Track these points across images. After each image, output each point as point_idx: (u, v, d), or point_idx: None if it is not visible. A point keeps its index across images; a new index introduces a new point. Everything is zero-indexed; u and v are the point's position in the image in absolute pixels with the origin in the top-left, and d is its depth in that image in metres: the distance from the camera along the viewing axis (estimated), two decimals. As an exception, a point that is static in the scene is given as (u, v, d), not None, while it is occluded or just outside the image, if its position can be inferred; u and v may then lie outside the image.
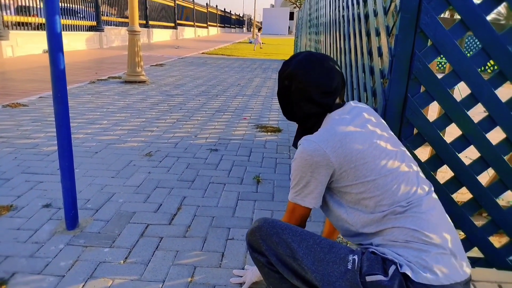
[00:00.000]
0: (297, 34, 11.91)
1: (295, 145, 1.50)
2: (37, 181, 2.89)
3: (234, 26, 56.06)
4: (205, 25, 34.61)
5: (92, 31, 14.61)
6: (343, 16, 2.99)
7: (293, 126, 4.80)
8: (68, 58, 10.82)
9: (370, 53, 2.04)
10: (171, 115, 5.11)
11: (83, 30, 14.09)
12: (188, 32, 28.51)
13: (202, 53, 15.89)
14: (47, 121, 4.49)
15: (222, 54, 15.72)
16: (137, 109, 5.35)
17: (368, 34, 2.10)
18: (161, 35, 22.14)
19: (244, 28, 60.07)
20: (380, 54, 1.83)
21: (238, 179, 3.09)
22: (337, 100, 1.41)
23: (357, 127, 1.32)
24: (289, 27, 51.64)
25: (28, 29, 11.07)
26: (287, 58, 15.09)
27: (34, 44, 11.18)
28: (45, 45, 11.70)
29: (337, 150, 1.26)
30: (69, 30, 13.19)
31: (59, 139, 2.15)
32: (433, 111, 4.07)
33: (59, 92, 2.08)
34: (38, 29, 11.48)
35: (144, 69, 8.27)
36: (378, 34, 1.92)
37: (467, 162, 1.72)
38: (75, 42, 13.47)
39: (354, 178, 1.27)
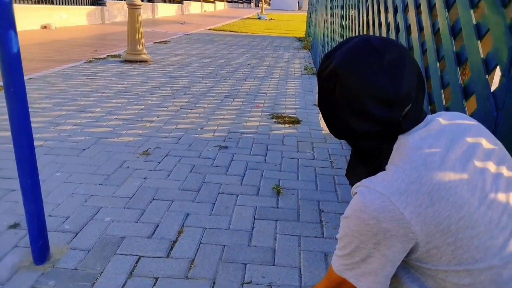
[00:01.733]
0: (311, 9, 11.06)
1: (349, 176, 1.00)
2: (8, 189, 2.35)
3: (241, 1, 54.43)
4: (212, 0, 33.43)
5: (93, 5, 13.84)
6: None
7: (315, 116, 4.19)
8: (66, 34, 10.16)
9: (453, 33, 1.41)
10: (174, 101, 4.51)
11: (84, 4, 13.33)
12: (195, 7, 27.46)
13: (209, 29, 15.08)
14: (32, 108, 3.92)
15: (230, 31, 14.90)
16: (135, 94, 4.75)
17: (448, 5, 1.46)
18: (166, 10, 21.23)
19: (252, 3, 58.40)
20: (481, 36, 1.21)
21: (254, 189, 2.52)
22: (407, 113, 0.82)
23: (459, 167, 0.77)
24: (298, 3, 50.03)
25: (24, 3, 10.38)
26: (299, 35, 14.34)
27: (32, 18, 10.51)
28: (43, 20, 11.02)
29: (424, 213, 0.74)
30: (68, 4, 12.45)
31: (16, 150, 1.58)
32: None
33: (12, 85, 1.49)
34: (36, 3, 10.78)
35: (146, 47, 7.62)
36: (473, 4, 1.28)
37: None
38: (75, 17, 12.75)
39: (454, 261, 0.75)
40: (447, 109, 1.41)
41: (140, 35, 6.68)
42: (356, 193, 0.83)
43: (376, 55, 0.80)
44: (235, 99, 4.76)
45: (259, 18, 24.34)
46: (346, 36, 3.80)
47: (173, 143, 3.21)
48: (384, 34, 2.30)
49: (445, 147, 0.79)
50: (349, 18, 3.58)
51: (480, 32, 1.20)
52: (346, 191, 2.54)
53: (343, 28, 3.93)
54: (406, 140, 0.81)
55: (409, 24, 1.87)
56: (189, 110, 4.19)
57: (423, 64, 1.70)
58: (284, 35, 14.37)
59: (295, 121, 3.91)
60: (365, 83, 0.79)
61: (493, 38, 1.11)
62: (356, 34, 3.21)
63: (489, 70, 1.14)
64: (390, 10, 2.17)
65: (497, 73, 1.16)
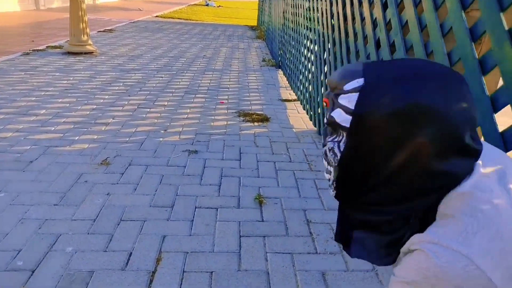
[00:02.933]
0: (264, -3, 10.84)
1: (340, 239, 0.76)
2: None
3: (187, -13, 52.62)
4: (156, -16, 31.88)
5: (24, -12, 12.56)
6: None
7: (282, 113, 4.03)
8: (-5, 22, 9.10)
9: (472, 35, 1.28)
10: (130, 100, 4.13)
11: (13, -12, 12.05)
12: (138, -8, 26.05)
13: (156, 16, 14.33)
14: (-39, 112, 3.37)
15: (179, 18, 14.27)
16: (84, 92, 4.29)
17: None
18: (107, -5, 19.90)
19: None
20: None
21: (234, 200, 2.31)
22: None
23: None
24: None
25: None
26: (251, 23, 14.08)
27: None
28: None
29: (508, 275, 0.60)
30: (-5, -13, 11.17)
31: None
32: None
33: None
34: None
35: (90, 36, 6.99)
36: None
37: None
38: (4, 2, 11.48)
39: None
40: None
41: (84, 24, 6.08)
42: (422, 250, 0.65)
43: (456, 83, 0.61)
44: (196, 95, 4.46)
45: (207, 5, 23.67)
46: (314, 28, 3.66)
47: (135, 150, 2.89)
48: (369, 32, 2.16)
49: (505, 190, 0.64)
50: (318, 10, 3.43)
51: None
52: (331, 197, 2.41)
53: (309, 20, 3.78)
54: (470, 184, 0.65)
55: (406, 21, 1.74)
56: (148, 109, 3.84)
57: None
58: (235, 24, 14.05)
59: (264, 119, 3.72)
60: (457, 119, 0.60)
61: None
62: (327, 27, 3.07)
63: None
64: (378, 4, 2.03)
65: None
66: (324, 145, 0.66)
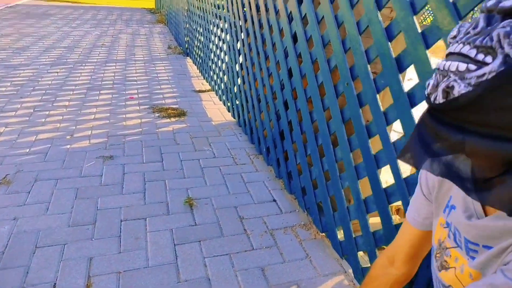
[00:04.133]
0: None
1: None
2: None
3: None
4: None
5: None
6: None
7: (198, 105, 3.93)
8: None
9: (388, 34, 1.37)
10: (23, 102, 3.63)
11: None
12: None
13: None
14: None
15: (67, 1, 12.87)
16: (-38, 96, 3.65)
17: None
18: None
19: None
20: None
21: (162, 206, 2.20)
22: None
23: None
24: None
25: None
26: (148, 5, 13.26)
27: None
28: None
29: None
30: None
31: None
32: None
33: None
34: None
35: (-42, 27, 5.94)
36: None
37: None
38: None
39: None
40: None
41: None
42: None
43: None
44: (101, 92, 4.10)
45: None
46: (222, 16, 3.59)
47: (39, 162, 2.56)
48: (284, 25, 2.19)
49: None
50: (226, -1, 3.36)
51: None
52: (258, 189, 2.44)
53: (218, 8, 3.70)
54: None
55: (322, 17, 1.79)
56: (47, 112, 3.42)
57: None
58: (131, 6, 13.18)
59: (180, 113, 3.59)
60: None
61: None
62: (239, 17, 3.04)
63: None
64: (290, -1, 2.05)
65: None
66: (489, 29, 0.49)
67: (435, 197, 0.78)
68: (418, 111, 1.29)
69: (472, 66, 0.49)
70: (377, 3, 1.39)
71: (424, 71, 1.19)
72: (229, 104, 3.64)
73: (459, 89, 0.50)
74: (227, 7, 3.38)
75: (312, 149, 2.00)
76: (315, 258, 1.90)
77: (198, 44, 5.04)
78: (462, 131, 0.51)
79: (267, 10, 2.46)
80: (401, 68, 1.30)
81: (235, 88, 3.34)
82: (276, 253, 1.91)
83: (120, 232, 1.95)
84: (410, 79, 2.61)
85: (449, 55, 0.53)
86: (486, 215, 0.64)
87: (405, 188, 1.33)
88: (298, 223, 2.15)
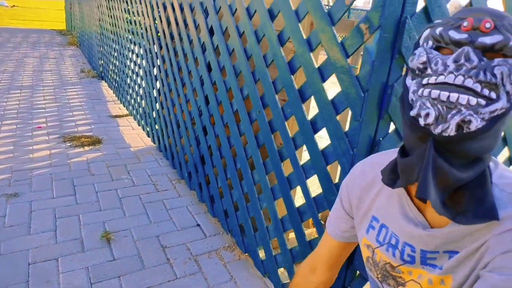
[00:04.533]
0: (71, 0, 9.81)
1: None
2: None
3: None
4: None
5: None
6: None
7: (116, 131, 3.78)
8: None
9: (291, 68, 1.50)
10: None
11: None
12: None
13: None
14: None
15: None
16: None
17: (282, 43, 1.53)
18: None
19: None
20: (324, 79, 1.32)
21: (76, 244, 2.07)
22: None
23: None
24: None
25: None
26: (58, 27, 12.46)
27: None
28: None
29: None
30: None
31: None
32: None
33: None
34: None
35: None
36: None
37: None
38: None
39: None
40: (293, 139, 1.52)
41: None
42: None
43: None
44: (3, 122, 3.75)
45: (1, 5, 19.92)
46: (137, 41, 3.55)
47: None
48: (198, 54, 2.25)
49: None
50: (141, 25, 3.34)
51: (321, 72, 1.33)
52: (182, 215, 2.43)
53: (133, 34, 3.65)
54: None
55: (233, 49, 1.89)
56: None
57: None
58: (39, 27, 12.31)
59: (95, 141, 3.42)
60: None
61: (346, 87, 1.24)
62: (154, 44, 3.04)
63: (337, 112, 1.27)
64: (204, 29, 2.13)
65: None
66: (491, 62, 0.55)
67: (355, 214, 0.83)
68: (320, 137, 1.43)
69: (482, 101, 0.55)
70: (279, 39, 1.52)
71: (322, 102, 1.33)
72: (148, 129, 3.57)
73: (477, 123, 0.55)
74: (141, 33, 3.36)
75: (232, 173, 2.06)
76: (240, 278, 1.94)
77: (113, 68, 4.89)
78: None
79: (181, 39, 2.51)
80: (304, 98, 1.44)
81: (154, 113, 3.30)
82: (200, 279, 1.91)
83: (28, 277, 1.79)
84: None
85: (445, 85, 0.56)
86: (429, 223, 0.69)
87: (315, 206, 1.45)
88: (223, 245, 2.18)
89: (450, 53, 0.58)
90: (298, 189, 1.62)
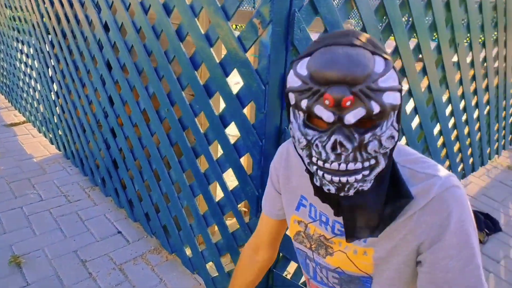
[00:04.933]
0: None
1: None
2: None
3: None
4: None
5: None
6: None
7: (14, 141, 3.39)
8: None
9: (194, 64, 1.47)
10: None
11: None
12: None
13: None
14: None
15: None
16: None
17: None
18: None
19: None
20: (225, 74, 1.33)
21: (-21, 275, 1.85)
22: None
23: None
24: None
25: None
26: None
27: None
28: None
29: None
30: None
31: None
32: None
33: None
34: None
35: None
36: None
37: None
38: None
39: None
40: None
41: None
42: (447, 186, 0.67)
43: None
44: None
45: None
46: (25, 40, 3.19)
47: None
48: (96, 52, 2.09)
49: None
50: (27, 22, 3.00)
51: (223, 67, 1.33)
52: (100, 224, 2.30)
53: (19, 32, 3.26)
54: None
55: (132, 46, 1.79)
56: None
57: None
58: None
59: (-11, 156, 3.04)
60: None
61: (247, 81, 1.25)
62: (45, 43, 2.75)
63: (243, 105, 1.29)
64: (98, 25, 1.99)
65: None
66: (362, 141, 0.61)
67: (283, 192, 0.88)
68: (231, 129, 1.45)
69: (366, 172, 0.64)
70: (178, 34, 1.48)
71: (227, 96, 1.33)
72: (51, 135, 3.27)
73: (368, 186, 0.65)
74: (29, 31, 3.02)
75: (148, 174, 1.99)
76: (169, 280, 1.91)
77: (2, 71, 4.35)
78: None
79: (74, 36, 2.31)
80: (210, 94, 1.43)
81: (55, 118, 3.03)
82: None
83: None
84: (237, 83, 2.83)
85: (333, 171, 0.63)
86: None
87: (233, 199, 1.47)
88: (148, 249, 2.12)
89: (323, 126, 0.62)
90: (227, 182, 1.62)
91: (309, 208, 0.82)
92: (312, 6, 1.15)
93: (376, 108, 0.58)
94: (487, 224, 2.50)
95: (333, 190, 0.64)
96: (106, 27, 1.97)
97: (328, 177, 0.63)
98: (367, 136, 0.60)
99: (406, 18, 1.69)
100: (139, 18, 1.68)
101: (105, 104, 2.18)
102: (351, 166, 0.61)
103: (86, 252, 2.06)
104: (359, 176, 0.62)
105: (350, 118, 0.58)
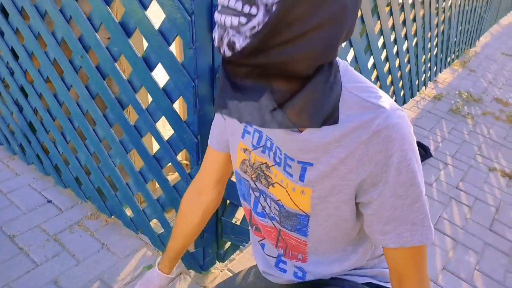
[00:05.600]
0: None
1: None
2: None
3: None
4: None
5: None
6: None
7: None
8: None
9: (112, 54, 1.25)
10: None
11: None
12: None
13: None
14: None
15: None
16: None
17: None
18: None
19: None
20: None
21: None
22: None
23: None
24: None
25: None
26: None
27: None
28: None
29: None
30: None
31: None
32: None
33: None
34: None
35: None
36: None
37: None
38: None
39: None
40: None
41: None
42: (388, 116, 0.61)
43: None
44: None
45: None
46: None
47: None
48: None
49: None
50: None
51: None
52: (25, 195, 2.06)
53: None
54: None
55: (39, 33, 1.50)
56: None
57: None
58: None
59: None
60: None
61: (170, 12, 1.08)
62: None
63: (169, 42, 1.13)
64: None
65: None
66: None
67: (228, 120, 0.82)
68: (157, 74, 1.29)
69: (243, 19, 0.53)
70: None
71: (148, 32, 1.16)
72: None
73: (240, 43, 0.54)
74: None
75: (72, 135, 1.78)
76: (112, 243, 1.79)
77: None
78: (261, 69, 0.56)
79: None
80: (128, 33, 1.24)
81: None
82: (67, 258, 1.70)
83: None
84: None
85: (222, 8, 0.54)
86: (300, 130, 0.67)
87: (171, 149, 1.35)
88: (84, 215, 1.95)
89: None
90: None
91: (253, 134, 0.77)
92: None
93: None
94: (419, 151, 2.66)
95: (216, 40, 0.57)
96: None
97: (216, 17, 0.56)
98: None
99: None
100: None
101: (8, 58, 1.87)
102: (231, 2, 0.53)
103: (13, 227, 1.85)
104: (235, 20, 0.54)
105: None
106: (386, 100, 0.64)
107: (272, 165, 0.75)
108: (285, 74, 0.57)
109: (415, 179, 0.63)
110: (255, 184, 0.81)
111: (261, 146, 0.76)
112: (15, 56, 1.84)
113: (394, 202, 0.64)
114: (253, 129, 0.77)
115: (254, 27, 0.53)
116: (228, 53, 0.56)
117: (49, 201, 2.05)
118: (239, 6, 0.53)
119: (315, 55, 0.56)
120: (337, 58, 0.67)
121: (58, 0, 1.43)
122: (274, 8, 0.51)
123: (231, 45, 0.55)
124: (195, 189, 0.99)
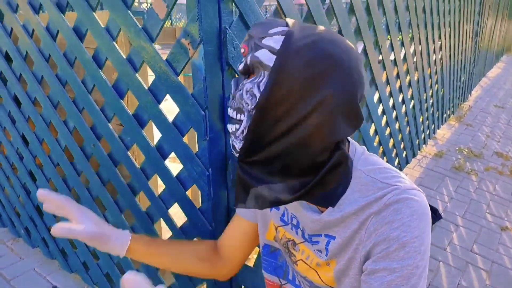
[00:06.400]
0: None
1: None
2: None
3: None
4: None
5: None
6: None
7: None
8: None
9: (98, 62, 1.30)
10: None
11: None
12: None
13: None
14: None
15: None
16: None
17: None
18: None
19: None
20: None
21: None
22: None
23: None
24: None
25: None
26: None
27: None
28: None
29: None
30: None
31: None
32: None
33: None
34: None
35: None
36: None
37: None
38: None
39: None
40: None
41: None
42: (400, 195, 0.63)
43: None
44: None
45: None
46: None
47: None
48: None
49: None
50: None
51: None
52: (30, 281, 1.98)
53: None
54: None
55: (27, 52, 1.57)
56: None
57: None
58: None
59: None
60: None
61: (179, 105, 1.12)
62: None
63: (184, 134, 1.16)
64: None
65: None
66: (236, 92, 0.66)
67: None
68: (168, 165, 1.31)
69: (236, 126, 0.65)
70: (96, 61, 1.31)
71: (163, 125, 1.20)
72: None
73: (238, 146, 0.65)
74: None
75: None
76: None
77: None
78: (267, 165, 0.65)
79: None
80: (142, 124, 1.28)
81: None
82: None
83: None
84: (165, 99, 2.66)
85: (228, 118, 0.67)
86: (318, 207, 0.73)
87: (184, 237, 1.33)
88: (90, 301, 1.87)
89: None
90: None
91: (282, 211, 0.81)
92: (242, 21, 1.06)
93: (249, 59, 0.63)
94: (428, 213, 2.63)
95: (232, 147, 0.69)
96: (8, 58, 1.72)
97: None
98: (241, 85, 0.65)
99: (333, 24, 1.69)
100: (47, 45, 1.47)
101: (18, 144, 1.90)
102: (229, 112, 0.67)
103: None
104: (232, 128, 0.66)
105: (239, 65, 0.66)
106: (403, 181, 0.66)
107: (301, 242, 0.77)
108: (296, 165, 0.63)
109: (414, 259, 0.60)
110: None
111: (290, 223, 0.79)
112: (25, 141, 1.87)
113: (384, 276, 0.61)
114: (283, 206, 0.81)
115: (242, 131, 0.64)
116: (236, 155, 0.67)
117: (54, 287, 1.97)
118: (234, 115, 0.65)
119: (317, 139, 0.62)
120: (355, 144, 0.73)
121: (70, 90, 1.49)
122: (253, 113, 0.61)
123: (234, 148, 0.67)
124: (213, 245, 0.99)
